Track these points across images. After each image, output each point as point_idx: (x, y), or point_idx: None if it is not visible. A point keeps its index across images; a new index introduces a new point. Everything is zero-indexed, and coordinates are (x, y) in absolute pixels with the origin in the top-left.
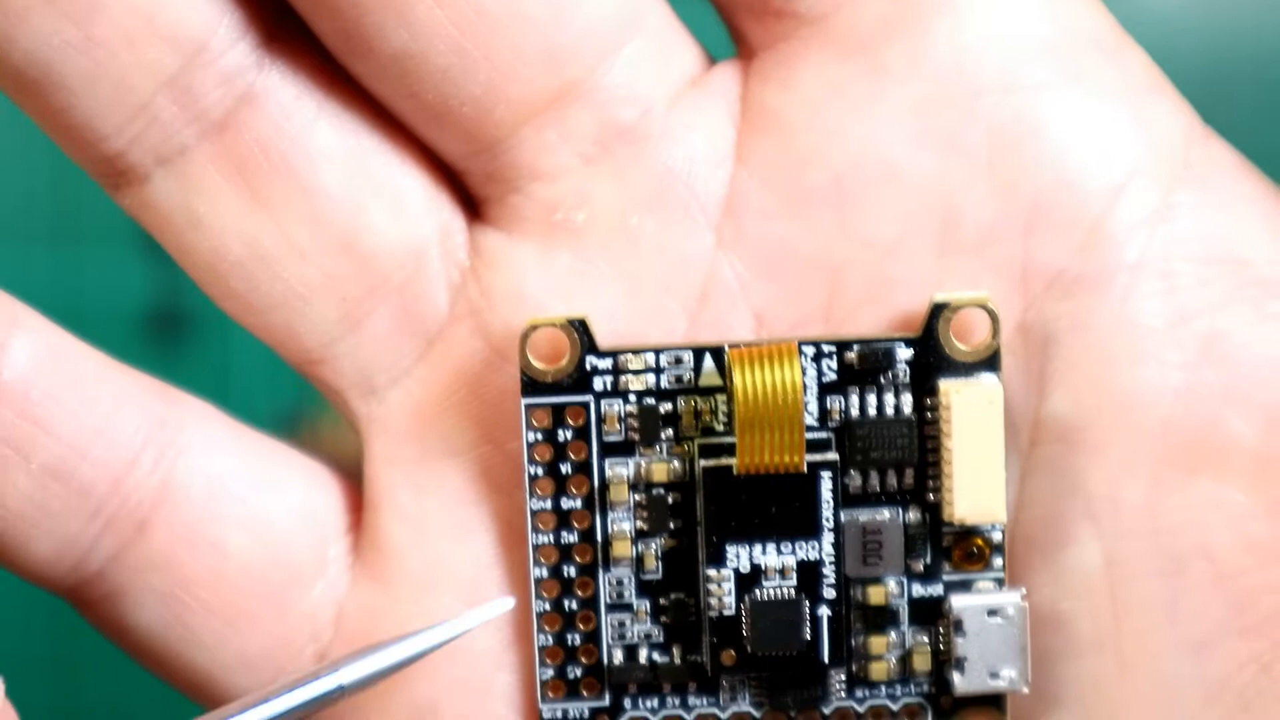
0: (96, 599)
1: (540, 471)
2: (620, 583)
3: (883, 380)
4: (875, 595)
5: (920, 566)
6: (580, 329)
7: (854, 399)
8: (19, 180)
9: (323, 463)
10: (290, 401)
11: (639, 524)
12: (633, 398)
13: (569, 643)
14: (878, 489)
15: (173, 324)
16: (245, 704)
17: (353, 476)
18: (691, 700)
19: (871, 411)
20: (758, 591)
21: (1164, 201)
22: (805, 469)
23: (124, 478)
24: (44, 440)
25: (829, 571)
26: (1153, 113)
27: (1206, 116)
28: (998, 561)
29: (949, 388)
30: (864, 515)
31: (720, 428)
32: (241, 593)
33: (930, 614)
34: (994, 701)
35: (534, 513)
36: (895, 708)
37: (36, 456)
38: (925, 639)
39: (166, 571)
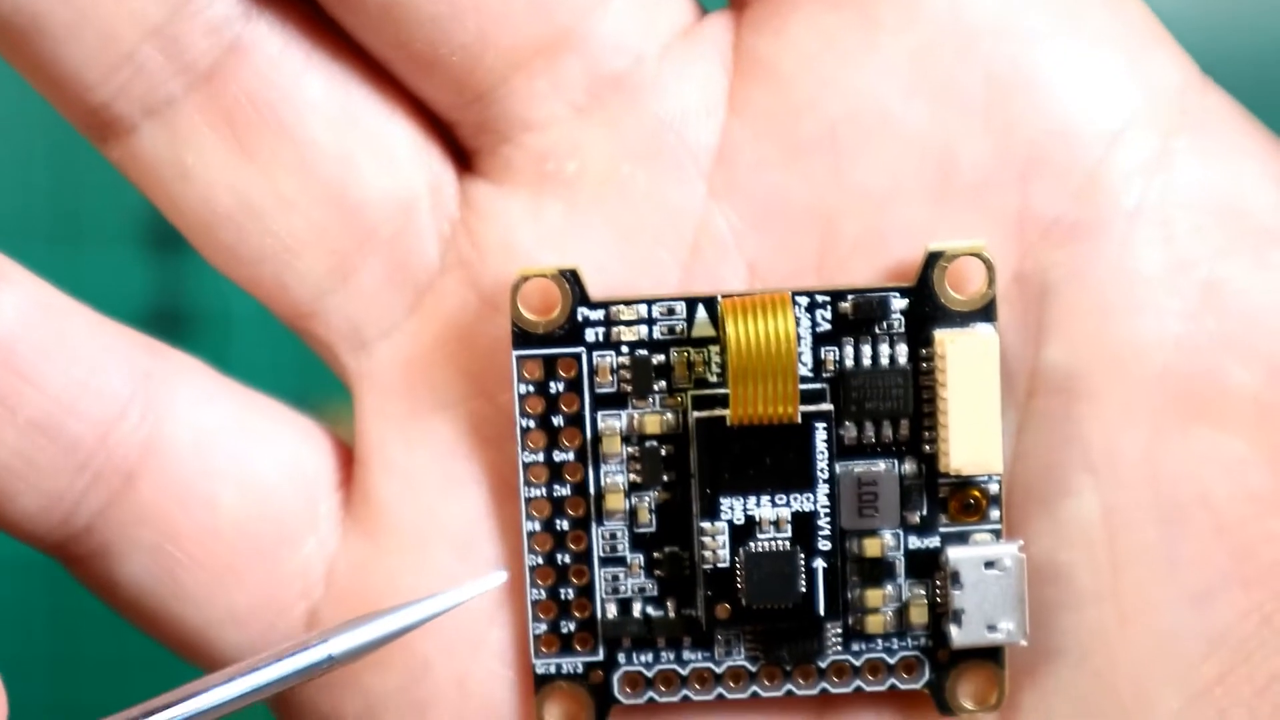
0: (85, 554)
1: (532, 424)
2: (613, 536)
3: (877, 330)
4: (871, 547)
5: (916, 518)
6: (572, 279)
7: (848, 349)
8: (19, 180)
9: (313, 420)
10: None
11: (632, 477)
12: (625, 349)
13: (562, 597)
14: (873, 440)
15: (173, 324)
16: (233, 672)
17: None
18: (686, 654)
19: (866, 362)
20: (752, 544)
21: (1162, 149)
22: (799, 420)
23: (111, 431)
24: (30, 394)
25: (824, 523)
26: (1150, 60)
27: None
28: (995, 513)
29: (944, 337)
30: (859, 467)
31: (713, 379)
32: (231, 547)
33: (927, 566)
34: (992, 654)
35: (526, 466)
36: (892, 661)
37: (23, 410)
38: (922, 591)
39: (155, 525)
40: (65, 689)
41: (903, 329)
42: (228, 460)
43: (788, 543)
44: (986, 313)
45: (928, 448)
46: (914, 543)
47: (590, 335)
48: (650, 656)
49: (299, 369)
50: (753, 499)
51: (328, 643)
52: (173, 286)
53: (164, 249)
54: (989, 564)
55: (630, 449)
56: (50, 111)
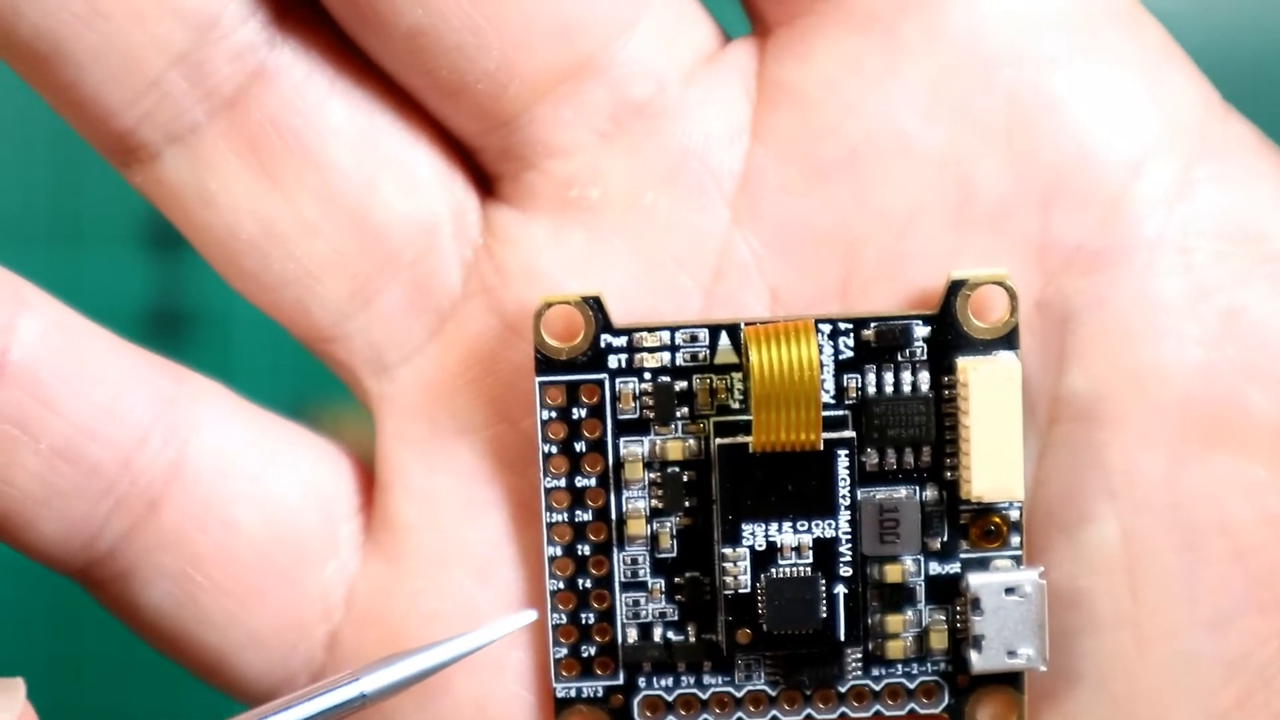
0: (107, 579)
1: (554, 449)
2: (635, 561)
3: (900, 358)
4: (892, 573)
5: (937, 544)
6: (595, 306)
7: (871, 376)
8: (19, 180)
9: (333, 443)
10: (290, 401)
11: (654, 502)
12: (648, 375)
13: (583, 621)
14: (895, 467)
15: (173, 324)
16: (266, 711)
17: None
18: (706, 679)
19: (889, 389)
20: (773, 570)
21: (1183, 177)
22: (822, 446)
23: (133, 456)
24: (52, 420)
25: (845, 550)
26: (1171, 86)
27: None
28: (1015, 539)
29: (967, 365)
30: (881, 493)
31: (736, 405)
32: (252, 571)
33: (947, 592)
34: (1011, 679)
35: (548, 491)
36: (911, 686)
37: (45, 437)
38: (942, 617)
39: (177, 550)
40: (65, 691)
41: (925, 356)
42: (249, 484)
43: (809, 569)
44: (1009, 340)
45: (949, 474)
46: (935, 569)
47: (613, 361)
48: (670, 681)
49: (299, 370)
50: (774, 525)
51: (359, 681)
52: (173, 286)
53: (164, 249)
54: (1009, 590)
55: (652, 475)
56: (51, 112)
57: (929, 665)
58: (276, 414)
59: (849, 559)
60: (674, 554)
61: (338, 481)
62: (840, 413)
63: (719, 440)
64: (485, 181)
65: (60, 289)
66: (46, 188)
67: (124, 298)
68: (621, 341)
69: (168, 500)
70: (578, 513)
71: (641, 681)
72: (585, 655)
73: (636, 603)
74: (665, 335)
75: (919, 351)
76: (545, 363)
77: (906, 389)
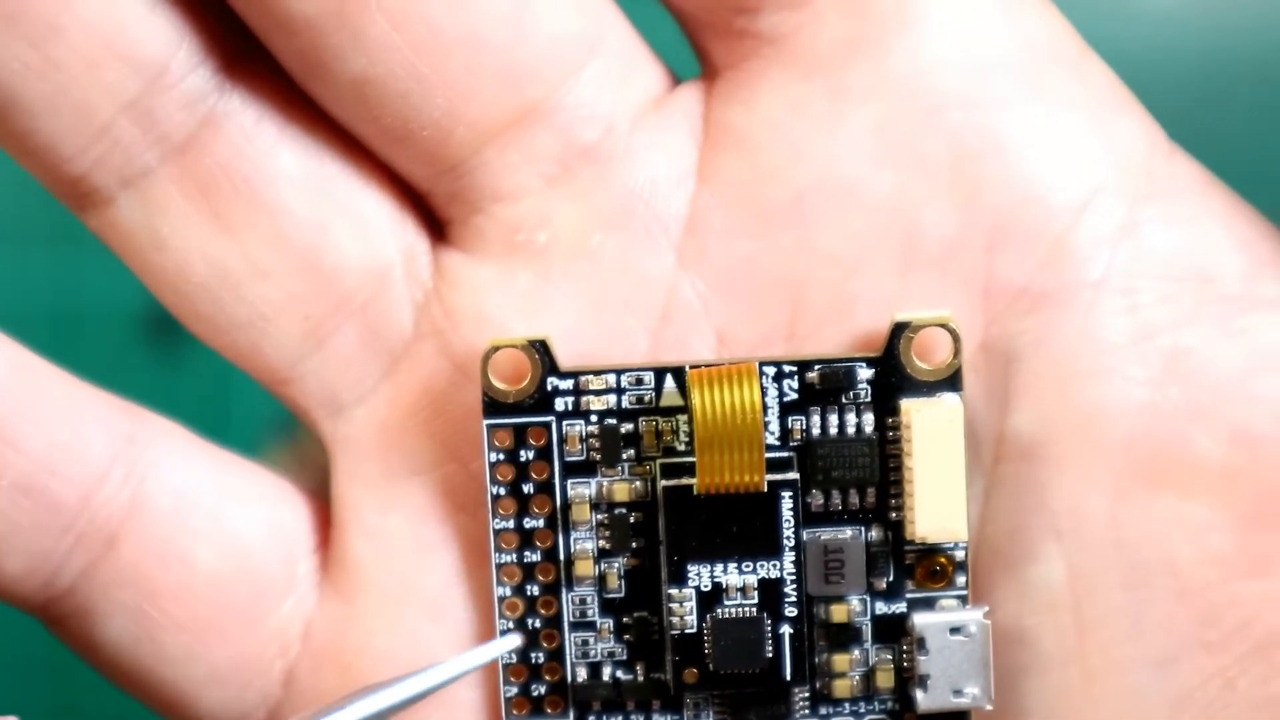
0: (66, 615)
1: (503, 491)
2: (583, 601)
3: (844, 400)
4: (838, 613)
5: (883, 584)
6: (541, 350)
7: (815, 418)
8: (19, 181)
9: (291, 481)
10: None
11: (601, 543)
12: (594, 418)
13: (533, 660)
14: (839, 508)
15: (173, 325)
16: None
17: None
18: (655, 718)
19: (833, 431)
20: (719, 610)
21: (1128, 218)
22: (766, 488)
23: (93, 493)
24: (13, 457)
25: (791, 590)
26: (1116, 127)
27: (1207, 116)
28: (960, 579)
29: (910, 407)
30: (826, 534)
31: (682, 447)
32: (210, 607)
33: (893, 632)
34: (958, 718)
35: (497, 532)
36: None
37: (6, 473)
38: (889, 656)
39: (136, 586)
40: (65, 691)
41: (869, 398)
42: (207, 521)
43: (754, 609)
44: (952, 382)
45: (894, 515)
46: (880, 608)
47: (560, 404)
48: (620, 719)
49: None
50: (720, 566)
51: (336, 714)
52: None
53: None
54: (954, 629)
55: (599, 516)
56: None
57: (876, 704)
58: (234, 451)
59: (794, 599)
60: (622, 594)
61: (296, 519)
62: (785, 454)
63: (664, 482)
64: (435, 225)
65: (60, 289)
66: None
67: (124, 298)
68: (568, 384)
69: (126, 537)
70: (526, 553)
71: None
72: (535, 694)
73: (586, 642)
74: (611, 378)
75: (863, 393)
76: (493, 405)
77: (851, 430)
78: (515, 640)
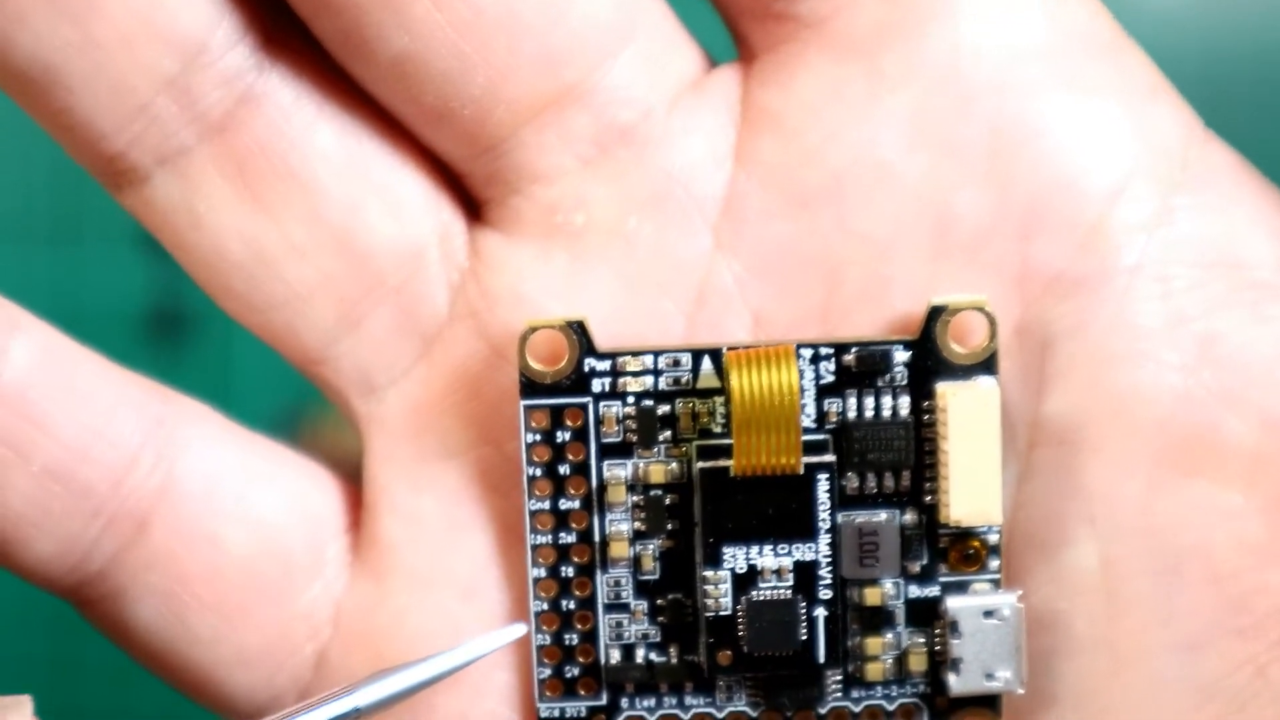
0: (97, 598)
1: (539, 472)
2: (618, 583)
3: (880, 382)
4: (871, 596)
5: (917, 568)
6: (579, 331)
7: (851, 401)
8: (19, 180)
9: (320, 463)
10: (290, 401)
11: (636, 525)
12: (631, 399)
13: (566, 642)
14: (875, 490)
15: (173, 324)
16: None
17: (353, 476)
18: (688, 700)
19: (869, 413)
20: (754, 592)
21: (1162, 204)
22: (802, 470)
23: (124, 478)
24: (44, 442)
25: (825, 573)
26: (1151, 114)
27: (1206, 116)
28: (994, 563)
29: (946, 390)
30: (860, 517)
31: (718, 429)
32: (240, 590)
33: (926, 615)
34: (989, 702)
35: (532, 513)
36: (891, 708)
37: (37, 458)
38: (921, 640)
39: (166, 569)
40: (65, 691)
41: (905, 381)
42: (237, 504)
43: (789, 591)
44: (988, 366)
45: (928, 499)
46: (914, 592)
47: (597, 385)
48: (653, 701)
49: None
50: (755, 548)
51: (354, 695)
52: (173, 287)
53: (164, 249)
54: (988, 613)
55: (635, 498)
56: None
57: (908, 687)
58: (265, 433)
59: (829, 582)
60: (656, 576)
61: (325, 501)
62: (821, 437)
63: (700, 464)
64: (472, 206)
65: (60, 289)
66: (46, 188)
67: (124, 298)
68: (605, 365)
69: (157, 520)
70: (561, 535)
71: (624, 702)
72: (569, 676)
73: (619, 624)
74: (648, 359)
75: (899, 376)
76: (530, 386)
77: (886, 413)
78: (520, 629)
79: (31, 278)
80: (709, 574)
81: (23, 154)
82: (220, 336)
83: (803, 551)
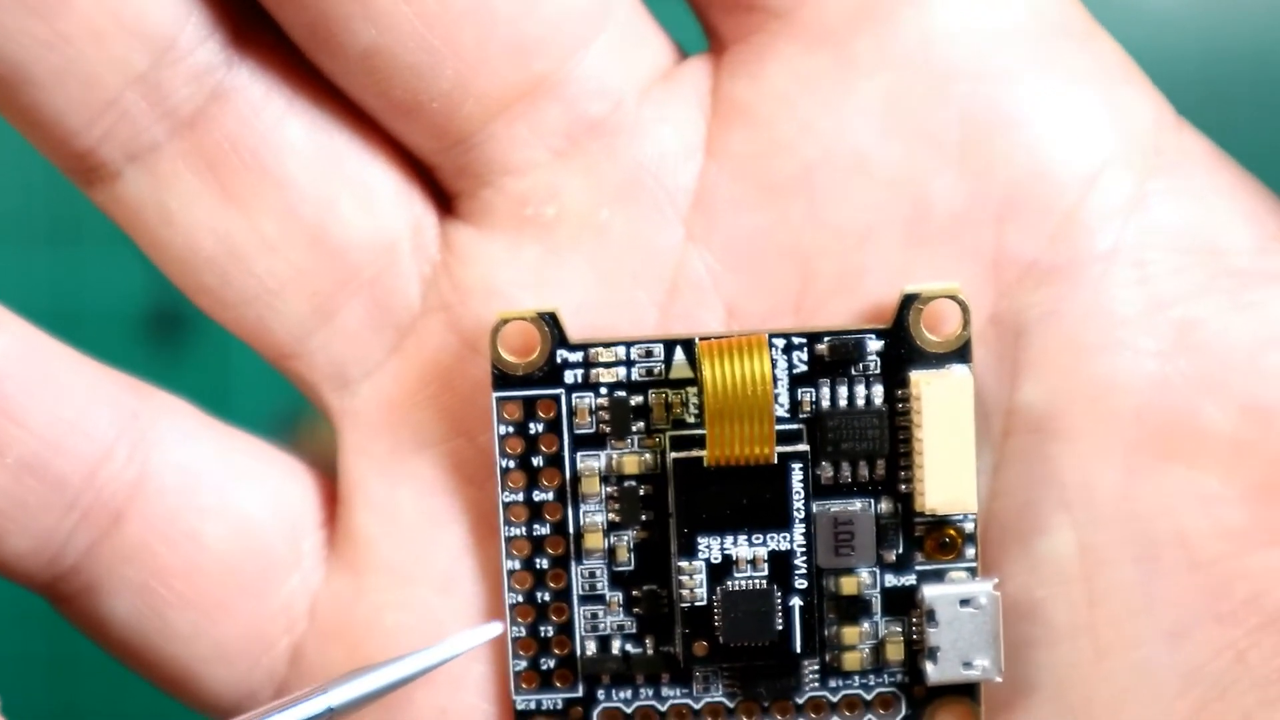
0: (73, 593)
1: (512, 464)
2: (593, 574)
3: (854, 371)
4: (848, 586)
5: (893, 556)
6: (551, 322)
7: (825, 390)
8: (19, 181)
9: (298, 457)
10: (289, 401)
11: (611, 516)
12: (604, 390)
13: (542, 634)
14: (849, 480)
15: (173, 324)
16: None
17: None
18: (665, 691)
19: (842, 403)
20: (729, 582)
21: (1137, 190)
22: (776, 460)
23: (98, 470)
24: (18, 434)
25: (800, 562)
26: (1125, 100)
27: (1206, 116)
28: (970, 551)
29: (920, 379)
30: (835, 506)
31: (691, 420)
32: (217, 584)
33: (903, 604)
34: (968, 690)
35: (506, 505)
36: (869, 697)
37: (11, 450)
38: (898, 629)
39: (142, 563)
40: (65, 691)
41: (879, 370)
42: (213, 498)
43: (764, 581)
44: (962, 354)
45: (904, 487)
46: (890, 581)
47: (569, 377)
48: (629, 693)
49: None
50: (730, 538)
51: (328, 694)
52: (172, 287)
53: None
54: (964, 601)
55: (609, 489)
56: None
57: (885, 676)
58: (263, 434)
59: (804, 571)
60: (631, 567)
61: (302, 495)
62: (794, 426)
63: (674, 454)
64: (443, 198)
65: (60, 289)
66: (46, 188)
67: (124, 298)
68: (578, 357)
69: (132, 514)
70: (536, 527)
71: (600, 693)
72: (545, 668)
73: (595, 615)
74: (621, 350)
75: (872, 365)
76: (502, 378)
77: (860, 402)
78: (496, 628)
79: (31, 278)
80: (684, 564)
81: (23, 154)
82: (220, 337)
83: (778, 541)
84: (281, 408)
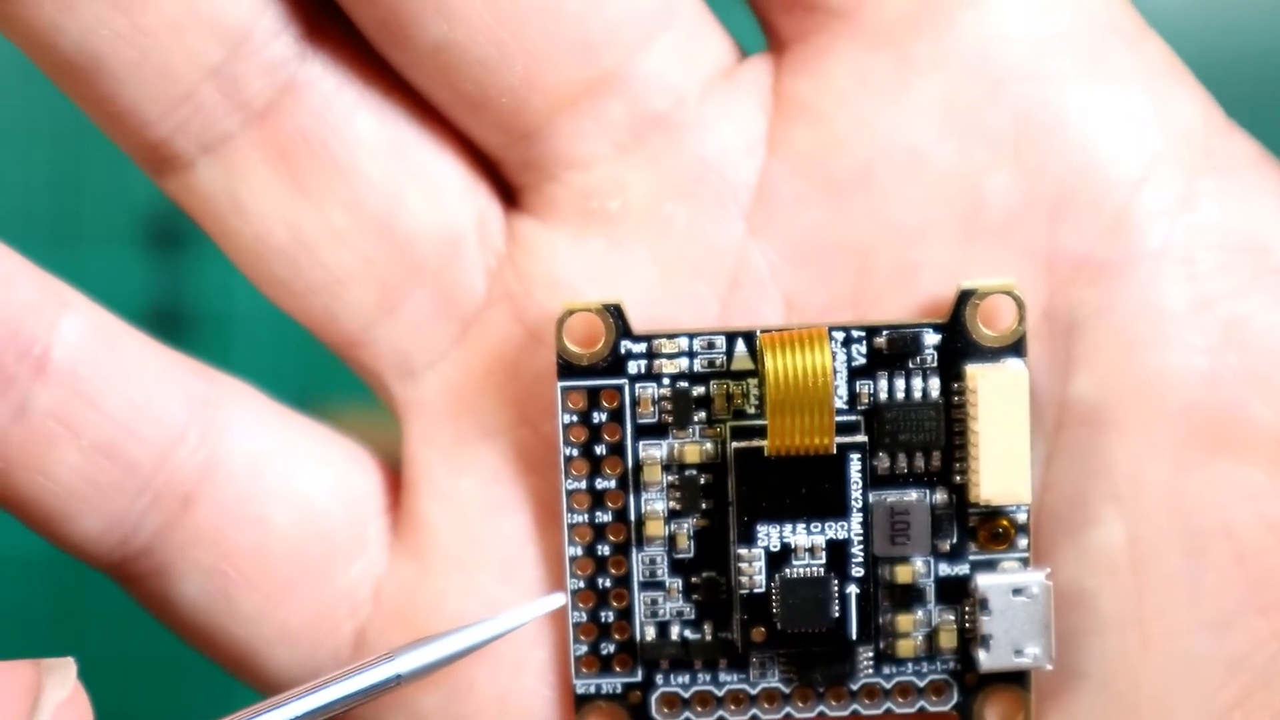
0: (142, 574)
1: (575, 453)
2: (653, 561)
3: (911, 365)
4: (903, 574)
5: (947, 546)
6: (615, 314)
7: (883, 383)
8: (19, 180)
9: (360, 444)
10: (290, 401)
11: (671, 504)
12: (666, 381)
13: (602, 620)
14: (905, 470)
15: (173, 324)
16: (303, 690)
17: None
18: (722, 676)
19: (900, 395)
20: (787, 570)
21: (1187, 189)
22: (835, 451)
23: (170, 454)
24: (94, 417)
25: (857, 551)
26: (1174, 101)
27: None
28: (1023, 541)
29: (975, 372)
30: (892, 496)
31: (751, 410)
32: (284, 567)
33: (956, 593)
34: (1018, 678)
35: (569, 493)
36: (921, 684)
37: (86, 433)
38: (951, 617)
39: (211, 546)
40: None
41: (935, 364)
42: (280, 483)
43: (822, 569)
44: (1017, 348)
45: (958, 478)
46: (944, 570)
47: (633, 367)
48: (687, 678)
49: (298, 370)
50: (788, 526)
51: (395, 661)
52: (173, 286)
53: (164, 249)
54: (1016, 591)
55: (670, 477)
56: (51, 112)
57: (938, 664)
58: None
59: (861, 560)
60: (691, 554)
61: (366, 482)
62: (853, 418)
63: (735, 444)
64: (508, 192)
65: None
66: (46, 188)
67: (124, 298)
68: (641, 348)
69: (202, 497)
70: (598, 514)
71: (659, 678)
72: (605, 653)
73: (654, 601)
74: (683, 342)
75: (929, 359)
76: (567, 368)
77: (917, 395)
78: (559, 599)
79: None
80: (743, 552)
81: (23, 154)
82: (220, 337)
83: (835, 530)
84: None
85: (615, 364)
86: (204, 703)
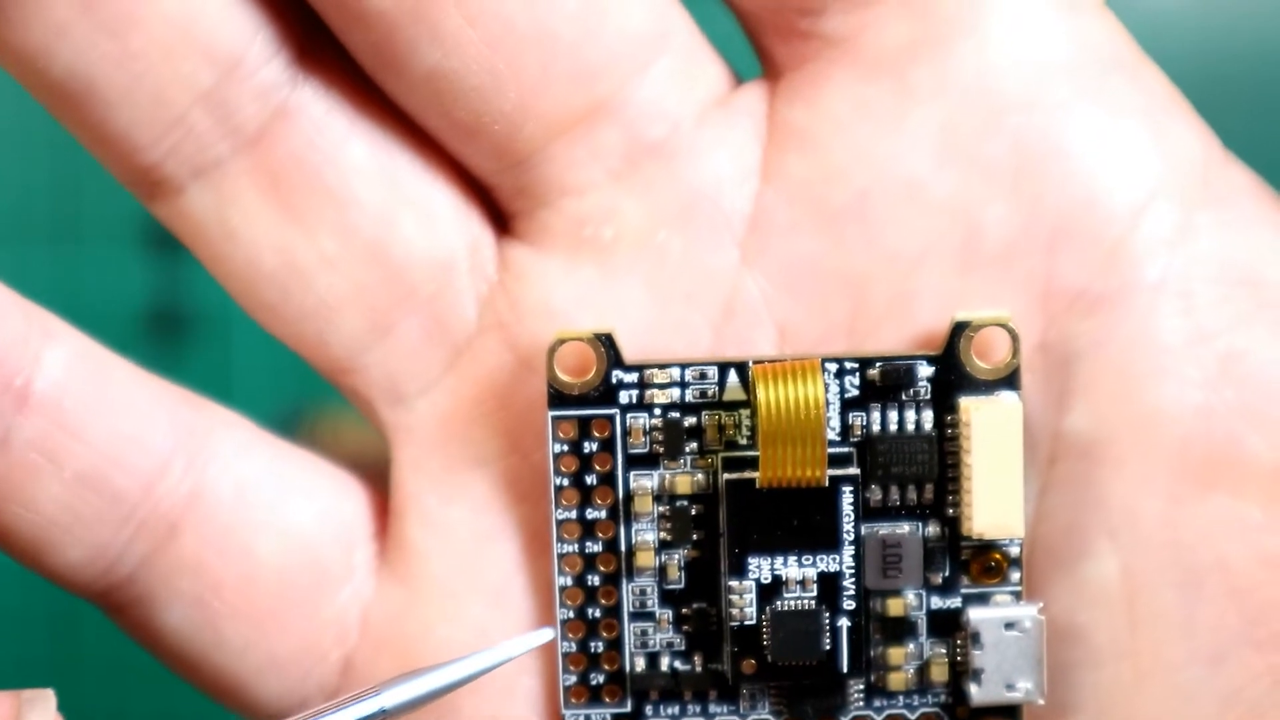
0: (127, 603)
1: (566, 482)
2: (643, 592)
3: (904, 396)
4: (894, 607)
5: (939, 579)
6: (607, 343)
7: (875, 415)
8: (19, 180)
9: (348, 470)
10: (290, 402)
11: (662, 534)
12: (658, 411)
13: (592, 649)
14: (898, 503)
15: (173, 324)
16: None
17: (356, 475)
18: (712, 708)
19: (893, 427)
20: (778, 602)
21: (1185, 221)
22: (827, 483)
23: (155, 484)
24: (77, 448)
25: (849, 583)
26: (1173, 133)
27: (1206, 117)
28: (1015, 575)
29: (969, 405)
30: (884, 528)
31: (743, 441)
32: (270, 596)
33: (948, 626)
34: (1010, 712)
35: (559, 522)
36: (912, 717)
37: (70, 464)
38: (943, 650)
39: (196, 576)
40: (65, 691)
41: (929, 396)
42: (267, 511)
43: (813, 601)
44: (1010, 381)
45: (951, 511)
46: (936, 603)
47: (624, 397)
48: (677, 709)
49: (298, 371)
50: (780, 558)
51: (381, 696)
52: (173, 286)
53: (164, 249)
54: (1009, 625)
55: (661, 508)
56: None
57: (930, 697)
58: (290, 442)
59: (852, 592)
60: (682, 585)
61: (354, 508)
62: (845, 450)
63: (726, 475)
64: (501, 218)
65: (60, 289)
66: (46, 188)
67: (124, 298)
68: (633, 377)
69: (187, 527)
70: (588, 544)
71: (649, 709)
72: (594, 683)
73: (645, 632)
74: (675, 372)
75: (923, 391)
76: (558, 397)
77: (910, 427)
78: (547, 634)
79: (31, 278)
80: (734, 584)
81: (23, 154)
82: (220, 337)
83: (827, 562)
84: (282, 408)
85: (607, 393)
86: (201, 709)
